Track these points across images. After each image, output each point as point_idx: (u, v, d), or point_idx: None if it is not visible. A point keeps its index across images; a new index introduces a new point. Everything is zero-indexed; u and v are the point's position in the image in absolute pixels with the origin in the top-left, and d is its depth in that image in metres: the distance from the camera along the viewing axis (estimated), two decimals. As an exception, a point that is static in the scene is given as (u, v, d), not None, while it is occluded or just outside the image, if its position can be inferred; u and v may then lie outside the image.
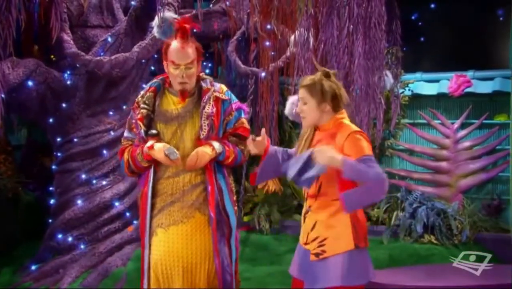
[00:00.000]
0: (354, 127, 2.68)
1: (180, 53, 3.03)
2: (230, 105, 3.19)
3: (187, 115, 3.10)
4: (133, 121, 3.17)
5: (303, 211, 2.82)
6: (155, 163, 3.09)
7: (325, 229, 2.65)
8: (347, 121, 2.73)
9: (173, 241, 3.04)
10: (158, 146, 3.01)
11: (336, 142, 2.63)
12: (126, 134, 3.25)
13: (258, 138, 2.90)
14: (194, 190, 3.08)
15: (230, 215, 3.12)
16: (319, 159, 2.52)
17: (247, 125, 3.26)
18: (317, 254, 2.66)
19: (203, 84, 3.16)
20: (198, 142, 3.07)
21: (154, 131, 3.08)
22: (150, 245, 3.08)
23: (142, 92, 3.21)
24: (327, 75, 2.70)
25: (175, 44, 3.07)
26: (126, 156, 3.17)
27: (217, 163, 3.12)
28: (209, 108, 3.08)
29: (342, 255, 2.60)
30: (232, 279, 3.08)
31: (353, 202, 2.57)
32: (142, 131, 3.08)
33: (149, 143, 3.04)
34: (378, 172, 2.51)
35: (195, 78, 3.13)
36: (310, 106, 2.70)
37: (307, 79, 2.75)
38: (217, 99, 3.14)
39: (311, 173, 2.55)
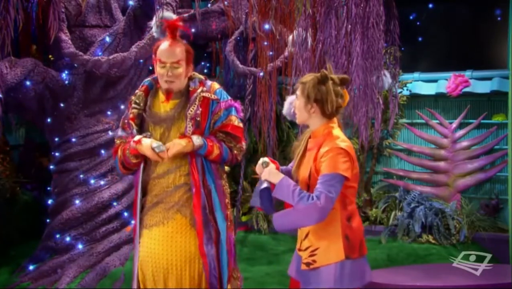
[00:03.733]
0: (340, 142, 2.58)
1: (167, 52, 3.03)
2: (219, 104, 3.12)
3: (175, 117, 3.08)
4: (126, 120, 3.17)
5: None
6: (144, 162, 3.08)
7: (317, 239, 2.63)
8: (336, 131, 2.66)
9: (155, 242, 3.02)
10: (146, 141, 2.98)
11: (319, 152, 2.60)
12: (120, 133, 3.23)
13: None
14: (176, 191, 3.05)
15: (218, 218, 3.06)
16: (263, 176, 2.65)
17: (237, 123, 3.15)
18: (307, 264, 2.65)
19: (191, 85, 3.13)
20: (180, 136, 3.03)
21: (148, 134, 3.08)
22: (139, 246, 3.07)
23: (136, 91, 3.21)
24: (322, 79, 2.63)
25: (164, 43, 3.07)
26: (119, 153, 3.16)
27: (206, 163, 3.07)
28: (193, 110, 3.04)
29: (332, 266, 2.58)
30: (217, 281, 3.03)
31: (283, 223, 2.64)
32: (134, 130, 3.07)
33: (137, 137, 3.02)
34: (305, 200, 2.48)
35: (183, 79, 3.09)
36: (299, 104, 2.70)
37: (304, 77, 2.73)
38: (204, 99, 3.09)
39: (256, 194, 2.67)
